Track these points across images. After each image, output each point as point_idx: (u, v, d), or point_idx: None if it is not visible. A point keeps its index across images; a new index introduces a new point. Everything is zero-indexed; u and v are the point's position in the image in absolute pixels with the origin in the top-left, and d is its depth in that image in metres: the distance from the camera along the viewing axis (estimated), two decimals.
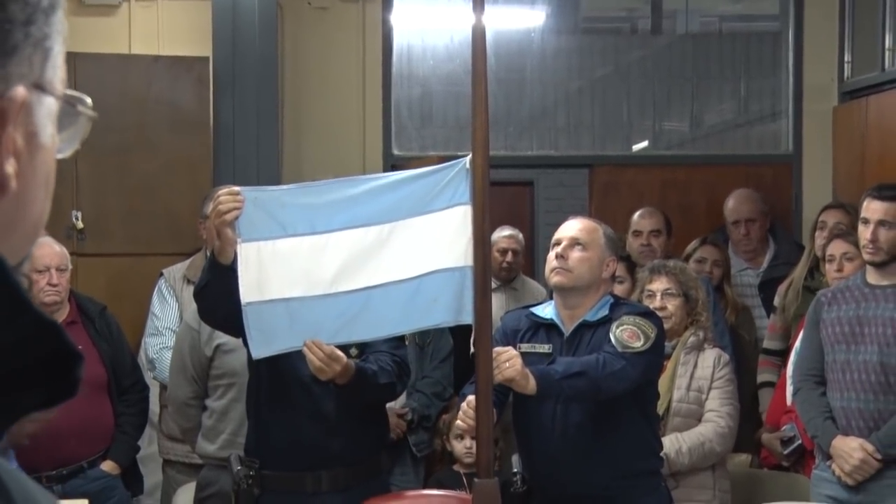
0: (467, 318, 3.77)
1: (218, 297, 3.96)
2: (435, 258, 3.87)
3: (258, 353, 3.96)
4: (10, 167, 0.89)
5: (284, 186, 4.27)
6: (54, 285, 5.05)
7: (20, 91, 0.89)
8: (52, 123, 0.95)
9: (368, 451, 4.27)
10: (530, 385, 3.73)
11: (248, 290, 3.90)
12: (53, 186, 0.97)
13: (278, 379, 4.15)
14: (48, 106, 0.94)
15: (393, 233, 3.92)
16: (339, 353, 3.92)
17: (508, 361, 3.69)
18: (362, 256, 3.92)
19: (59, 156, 0.97)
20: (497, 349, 3.70)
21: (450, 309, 3.85)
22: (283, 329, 3.92)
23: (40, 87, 0.92)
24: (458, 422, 3.92)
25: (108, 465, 5.22)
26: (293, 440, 4.13)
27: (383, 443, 4.44)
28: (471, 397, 3.73)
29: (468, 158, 3.77)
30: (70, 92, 0.96)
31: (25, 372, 0.87)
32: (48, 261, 5.03)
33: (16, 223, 0.93)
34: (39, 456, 4.79)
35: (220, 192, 3.94)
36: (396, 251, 3.91)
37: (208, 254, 4.14)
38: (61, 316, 5.10)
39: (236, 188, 3.95)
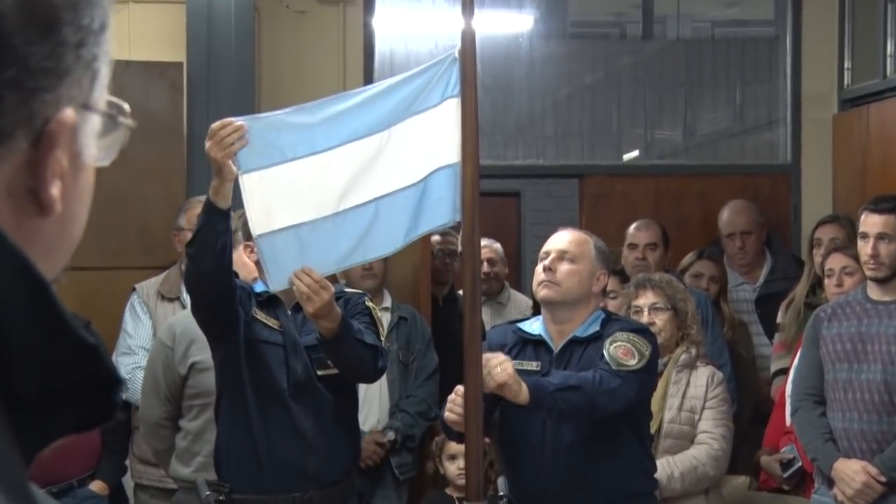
0: (457, 215, 3.78)
1: (209, 247, 3.84)
2: (435, 156, 3.86)
3: (275, 285, 3.96)
4: (56, 189, 0.92)
5: (277, 111, 4.18)
6: None
7: (69, 114, 0.91)
8: (94, 141, 0.96)
9: (342, 472, 4.22)
10: (523, 393, 3.63)
11: (257, 222, 3.90)
12: (90, 201, 0.99)
13: (254, 392, 4.08)
14: (92, 124, 0.96)
15: (392, 138, 3.92)
16: (328, 282, 3.88)
17: (500, 366, 3.61)
18: (366, 168, 3.92)
19: (98, 164, 0.98)
20: (487, 355, 3.65)
21: (449, 208, 3.82)
22: (296, 257, 3.89)
23: (87, 106, 0.94)
24: (447, 413, 3.79)
25: (97, 486, 5.27)
26: (267, 458, 4.07)
27: (355, 464, 4.41)
28: (459, 387, 3.67)
29: (457, 48, 3.76)
30: (112, 99, 0.97)
31: (64, 393, 0.90)
32: None
33: (58, 242, 0.96)
34: (31, 472, 4.66)
35: (214, 126, 3.83)
36: (398, 156, 3.91)
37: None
38: None
39: (230, 119, 3.87)
